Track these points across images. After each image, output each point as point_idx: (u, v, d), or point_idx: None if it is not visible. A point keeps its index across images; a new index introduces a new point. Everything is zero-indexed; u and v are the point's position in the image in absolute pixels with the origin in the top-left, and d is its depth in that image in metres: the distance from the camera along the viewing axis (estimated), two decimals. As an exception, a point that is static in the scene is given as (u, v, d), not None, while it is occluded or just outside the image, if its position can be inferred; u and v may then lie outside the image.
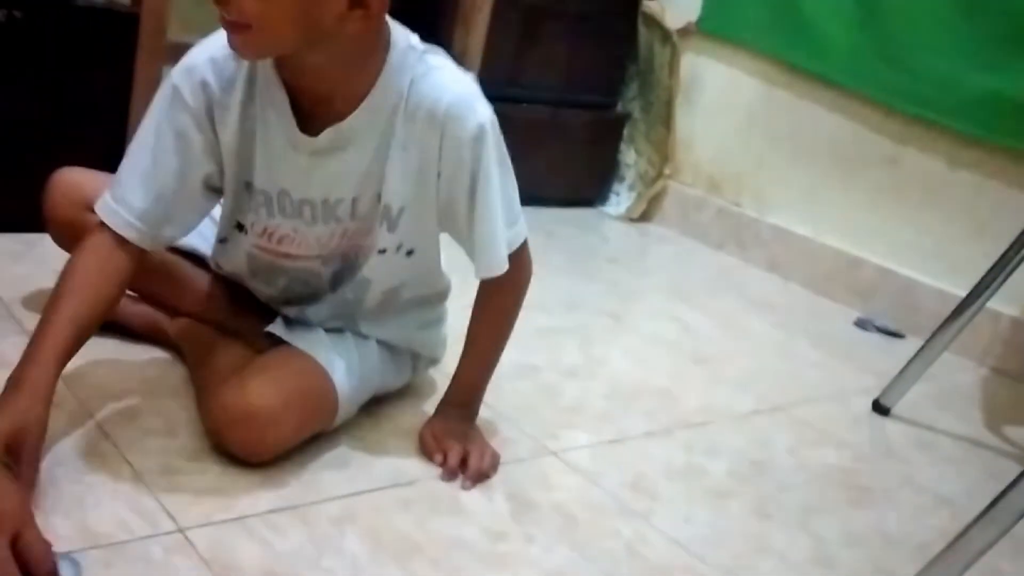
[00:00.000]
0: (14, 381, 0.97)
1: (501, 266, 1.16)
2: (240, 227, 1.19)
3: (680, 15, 2.57)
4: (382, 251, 1.17)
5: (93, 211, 1.10)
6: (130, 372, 1.25)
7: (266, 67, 1.08)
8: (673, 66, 2.59)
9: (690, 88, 2.62)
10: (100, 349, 1.28)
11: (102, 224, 1.08)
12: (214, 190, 1.16)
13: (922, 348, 1.71)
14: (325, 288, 1.22)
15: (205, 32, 1.96)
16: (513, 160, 1.18)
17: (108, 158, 1.44)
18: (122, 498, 1.00)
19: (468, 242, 1.16)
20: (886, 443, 1.62)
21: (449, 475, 1.18)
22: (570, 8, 2.45)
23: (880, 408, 1.72)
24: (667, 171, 2.66)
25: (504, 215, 1.15)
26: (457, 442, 1.20)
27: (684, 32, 2.58)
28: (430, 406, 1.29)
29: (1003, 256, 1.64)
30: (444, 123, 1.09)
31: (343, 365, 1.18)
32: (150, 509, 0.99)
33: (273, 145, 1.11)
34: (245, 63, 1.08)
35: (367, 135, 1.09)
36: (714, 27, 2.54)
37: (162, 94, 1.10)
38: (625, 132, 2.72)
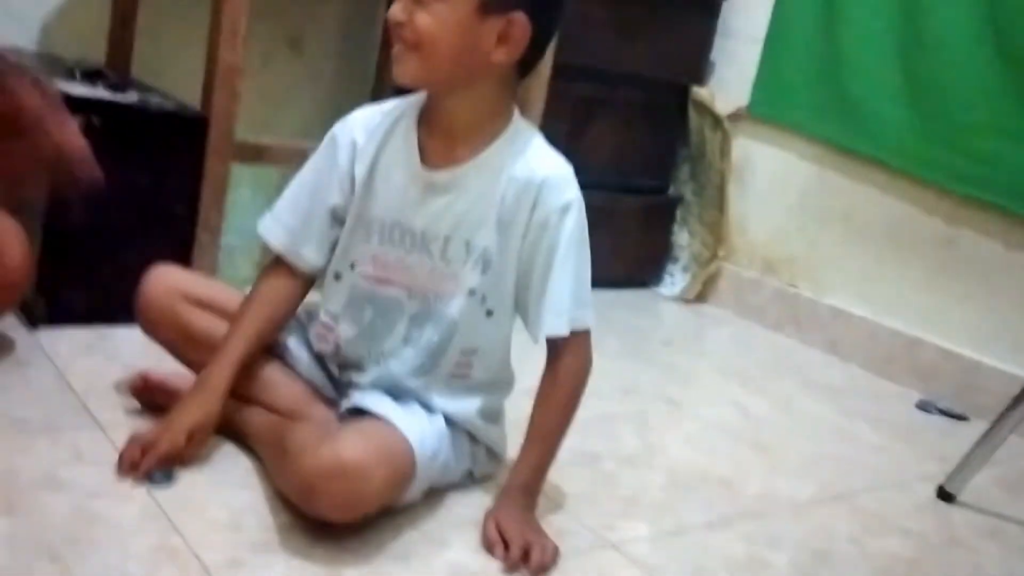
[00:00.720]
0: (199, 382, 1.28)
1: (562, 328, 1.25)
2: (352, 265, 1.31)
3: (730, 101, 2.62)
4: (472, 292, 1.27)
5: (186, 300, 1.35)
6: (196, 465, 1.28)
7: (407, 119, 1.28)
8: (724, 150, 2.63)
9: (742, 171, 2.64)
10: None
11: (273, 260, 1.34)
12: (340, 222, 1.32)
13: (987, 432, 1.68)
14: (403, 327, 1.29)
15: (272, 131, 2.06)
16: (569, 244, 1.24)
17: (178, 255, 1.51)
18: (191, 593, 1.02)
19: (536, 303, 1.26)
20: (952, 532, 1.59)
21: (511, 569, 1.18)
22: (621, 97, 2.50)
23: (945, 495, 1.69)
24: (721, 253, 2.67)
25: (573, 290, 1.25)
26: (519, 534, 1.21)
27: (735, 117, 2.62)
28: (490, 498, 1.30)
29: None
30: (540, 189, 1.24)
31: (418, 431, 1.23)
32: (218, 604, 1.01)
33: (394, 178, 1.28)
34: (390, 119, 1.29)
35: (476, 183, 1.25)
36: (764, 112, 2.57)
37: (323, 141, 1.33)
38: (678, 214, 2.76)
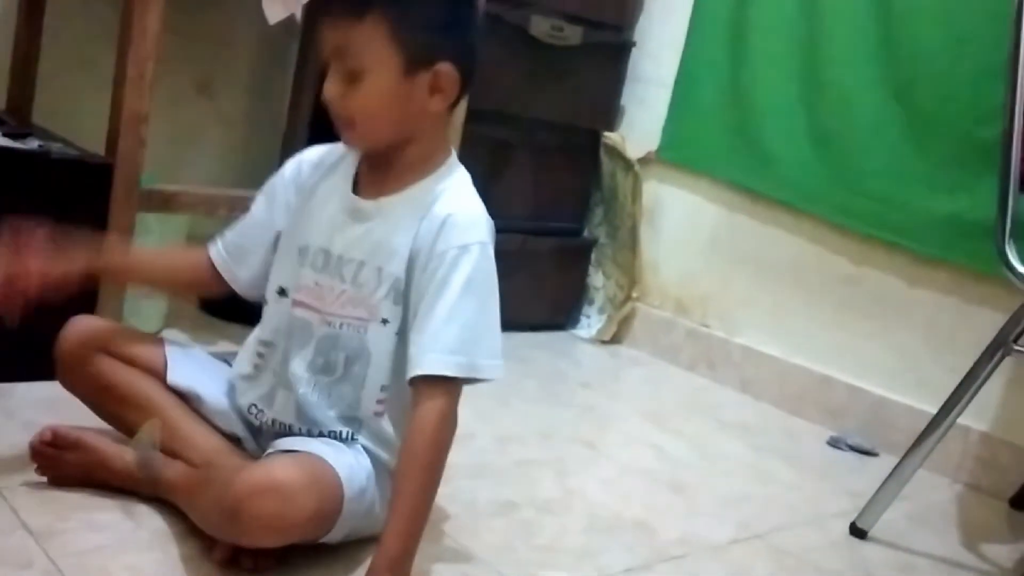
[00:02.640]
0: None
1: (424, 367, 1.17)
2: (282, 291, 1.33)
3: (640, 145, 2.66)
4: (385, 322, 1.25)
5: (105, 352, 1.33)
6: (101, 526, 1.23)
7: (351, 155, 1.32)
8: (636, 193, 2.66)
9: (654, 213, 2.68)
10: (68, 504, 1.26)
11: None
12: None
13: (896, 467, 1.72)
14: (311, 350, 1.27)
15: (179, 179, 2.01)
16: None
17: (81, 308, 1.45)
18: (94, 664, 0.97)
19: (412, 339, 1.21)
20: (865, 568, 1.61)
21: None
22: (534, 141, 2.52)
23: (857, 531, 1.72)
24: (635, 294, 2.70)
25: (440, 331, 1.18)
26: None
27: (645, 161, 2.66)
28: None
29: (971, 372, 1.67)
30: (444, 223, 1.23)
31: (346, 467, 1.21)
32: (123, 675, 0.97)
33: (328, 207, 1.31)
34: (336, 155, 1.34)
35: (396, 213, 1.26)
36: (673, 156, 2.62)
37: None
38: (593, 256, 2.78)
